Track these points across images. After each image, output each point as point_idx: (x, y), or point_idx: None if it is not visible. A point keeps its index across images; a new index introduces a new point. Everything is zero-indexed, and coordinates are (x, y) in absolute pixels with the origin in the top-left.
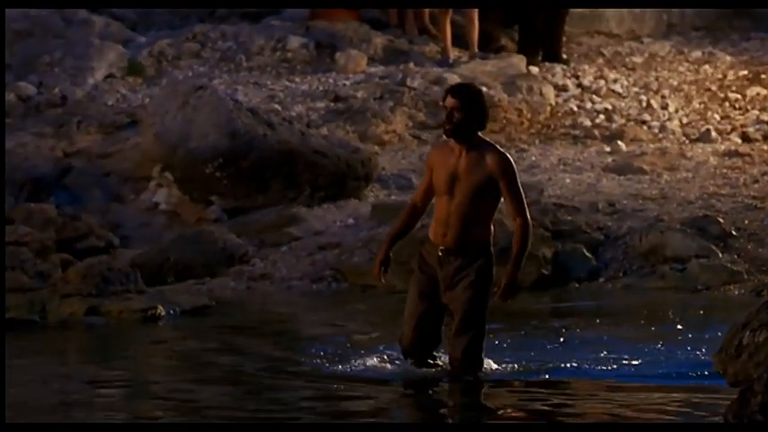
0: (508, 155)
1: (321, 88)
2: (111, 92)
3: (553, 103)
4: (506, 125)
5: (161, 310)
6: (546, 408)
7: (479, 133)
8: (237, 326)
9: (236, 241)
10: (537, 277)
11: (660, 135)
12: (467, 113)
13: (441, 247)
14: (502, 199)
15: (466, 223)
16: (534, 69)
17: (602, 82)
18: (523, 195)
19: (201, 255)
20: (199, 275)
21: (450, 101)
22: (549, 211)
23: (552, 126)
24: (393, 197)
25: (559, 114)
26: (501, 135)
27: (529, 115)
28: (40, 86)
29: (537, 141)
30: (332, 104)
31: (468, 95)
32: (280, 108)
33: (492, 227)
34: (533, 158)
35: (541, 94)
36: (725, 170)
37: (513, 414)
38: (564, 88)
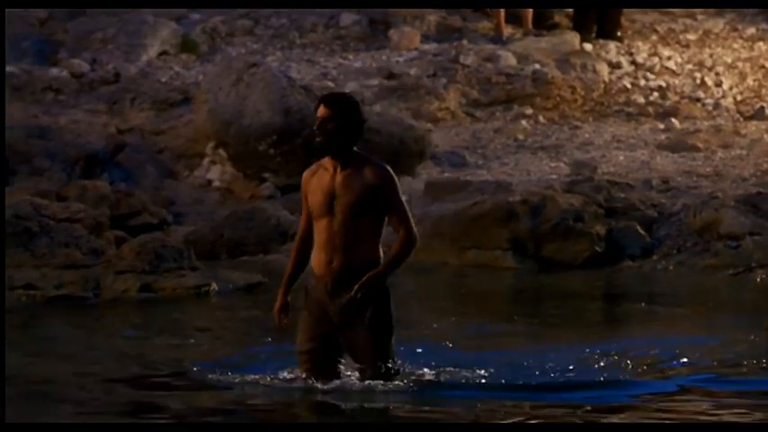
0: (387, 167)
1: (374, 65)
2: (164, 69)
3: (607, 81)
4: (560, 102)
5: (214, 287)
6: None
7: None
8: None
9: (290, 218)
10: (590, 255)
11: (714, 112)
12: (340, 125)
13: (327, 279)
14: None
15: (352, 244)
16: (588, 46)
17: (655, 59)
18: (407, 208)
19: (255, 231)
20: (252, 252)
21: (321, 111)
22: (602, 189)
23: (606, 103)
24: (446, 174)
25: (613, 92)
26: (554, 112)
27: (582, 92)
28: (93, 63)
29: (590, 119)
30: (385, 81)
31: (341, 106)
32: (333, 85)
33: (380, 246)
34: (587, 136)
35: (595, 71)
36: None
37: None
38: (618, 65)
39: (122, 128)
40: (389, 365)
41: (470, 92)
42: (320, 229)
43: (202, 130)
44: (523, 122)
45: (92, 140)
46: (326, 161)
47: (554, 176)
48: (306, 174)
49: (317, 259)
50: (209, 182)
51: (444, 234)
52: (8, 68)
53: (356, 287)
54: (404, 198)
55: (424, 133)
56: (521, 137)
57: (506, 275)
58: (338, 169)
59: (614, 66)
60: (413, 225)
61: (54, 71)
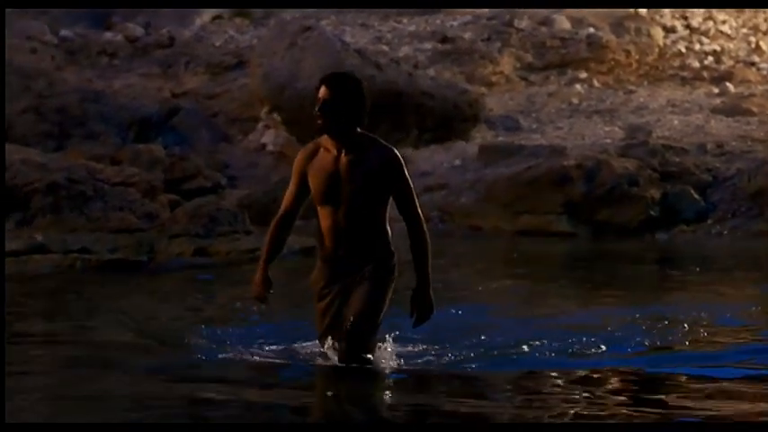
0: (394, 149)
1: (428, 29)
2: (218, 33)
3: (661, 45)
4: (614, 66)
5: None
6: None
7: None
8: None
9: None
10: (645, 219)
11: None
12: (343, 107)
13: (333, 264)
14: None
15: (359, 233)
16: (642, 10)
17: (710, 23)
18: (414, 192)
19: None
20: (305, 216)
21: (323, 92)
22: (657, 153)
23: (660, 67)
24: (500, 138)
25: (668, 56)
26: (609, 76)
27: (637, 56)
28: (147, 27)
29: (645, 83)
30: (439, 46)
31: (344, 86)
32: (387, 49)
33: (389, 228)
34: (641, 100)
35: (649, 35)
36: None
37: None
38: (672, 29)
39: (176, 92)
40: (373, 323)
41: (524, 56)
42: (324, 216)
43: (256, 94)
44: (578, 86)
45: (146, 104)
46: (326, 141)
47: (608, 141)
48: (302, 153)
49: (324, 245)
50: (263, 146)
51: (498, 198)
52: (63, 32)
53: (415, 316)
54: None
55: (477, 97)
56: (575, 101)
57: (560, 240)
58: (342, 152)
59: (669, 30)
60: (420, 211)
61: (108, 35)
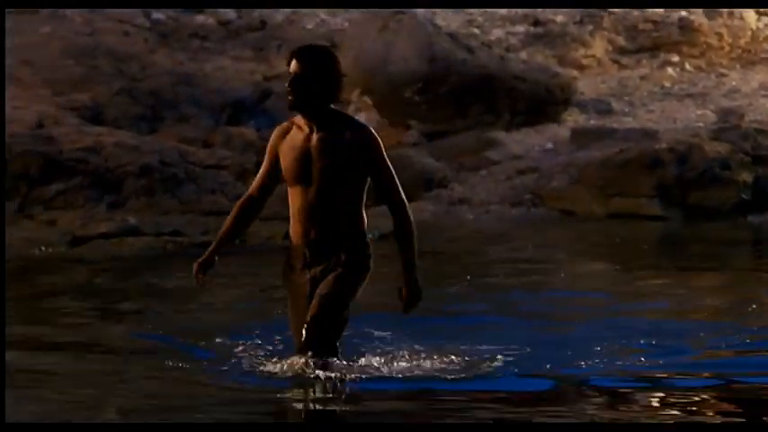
0: (370, 128)
1: (520, 12)
2: (310, 16)
3: (754, 28)
4: (706, 50)
5: None
6: None
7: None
8: (435, 250)
9: (435, 165)
10: (736, 202)
11: None
12: (314, 81)
13: (304, 250)
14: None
15: (331, 214)
16: None
17: None
18: (394, 173)
19: (400, 178)
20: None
21: (293, 66)
22: (749, 137)
23: (753, 51)
24: (592, 122)
25: (760, 39)
26: (701, 60)
27: (729, 40)
28: (239, 10)
29: (737, 66)
30: (531, 29)
31: (316, 60)
32: (479, 32)
33: (364, 213)
34: (733, 83)
35: (742, 18)
36: None
37: None
38: (765, 12)
39: (268, 75)
40: (337, 312)
41: (617, 39)
42: (294, 197)
43: (348, 77)
44: (670, 70)
45: (238, 87)
46: (299, 120)
47: (700, 124)
48: (276, 131)
49: (293, 229)
50: None
51: (590, 181)
52: (155, 15)
53: (403, 304)
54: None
55: (569, 80)
56: (667, 84)
57: (651, 223)
58: (314, 130)
59: (762, 13)
60: (403, 196)
61: (200, 18)
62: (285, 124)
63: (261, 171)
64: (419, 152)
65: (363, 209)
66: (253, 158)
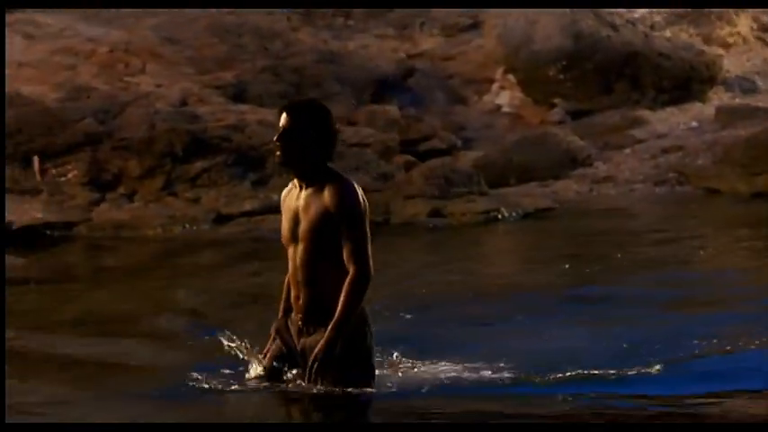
0: (352, 186)
1: None
2: None
3: None
4: None
5: (503, 212)
6: None
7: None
8: (579, 230)
9: (579, 143)
10: None
11: None
12: (302, 138)
13: (299, 316)
14: None
15: (317, 278)
16: None
17: None
18: (367, 239)
19: (544, 157)
20: (542, 177)
21: (283, 120)
22: None
23: None
24: (737, 100)
25: None
26: None
27: None
28: None
29: None
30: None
31: (306, 116)
32: (624, 11)
33: None
34: None
35: None
36: None
37: None
38: None
39: (412, 53)
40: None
41: (762, 17)
42: (289, 259)
43: (492, 56)
44: None
45: (381, 65)
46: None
47: None
48: (282, 194)
49: (290, 292)
50: (499, 107)
51: (734, 160)
52: None
53: (311, 364)
54: (366, 224)
55: (714, 59)
56: None
57: None
58: (303, 188)
59: None
60: (368, 259)
61: None
62: (290, 185)
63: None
64: (564, 130)
65: None
66: (396, 137)
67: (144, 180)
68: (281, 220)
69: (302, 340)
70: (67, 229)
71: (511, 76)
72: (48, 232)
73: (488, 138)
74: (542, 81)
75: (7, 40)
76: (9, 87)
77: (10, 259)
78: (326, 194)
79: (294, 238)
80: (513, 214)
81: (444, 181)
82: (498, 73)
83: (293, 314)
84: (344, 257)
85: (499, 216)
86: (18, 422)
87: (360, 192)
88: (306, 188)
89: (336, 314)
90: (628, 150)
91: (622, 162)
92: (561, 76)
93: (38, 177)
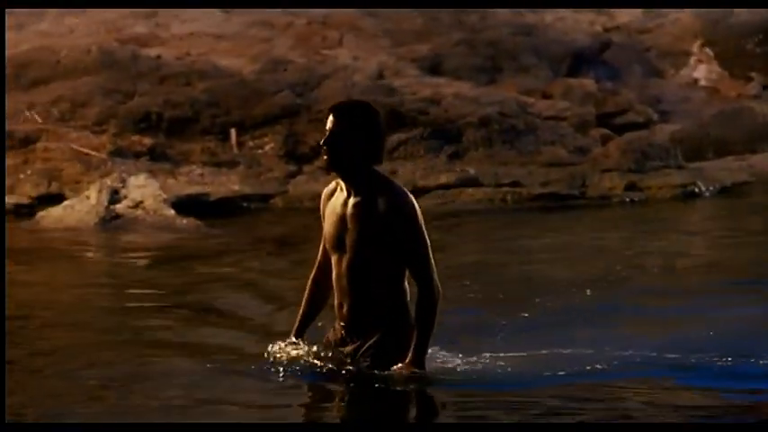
0: (407, 195)
1: None
2: None
3: None
4: None
5: (700, 186)
6: None
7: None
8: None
9: None
10: None
11: None
12: (352, 140)
13: (341, 323)
14: None
15: (363, 287)
16: None
17: None
18: (429, 251)
19: (741, 131)
20: (739, 152)
21: (330, 122)
22: None
23: None
24: None
25: None
26: None
27: None
28: None
29: None
30: None
31: (354, 117)
32: None
33: (406, 286)
34: None
35: None
36: None
37: None
38: None
39: (608, 26)
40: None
41: None
42: (333, 265)
43: (690, 29)
44: None
45: (578, 38)
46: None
47: None
48: (324, 192)
49: (334, 298)
50: (696, 80)
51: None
52: None
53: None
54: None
55: None
56: None
57: None
58: (351, 194)
59: None
60: (433, 274)
61: None
62: (332, 185)
63: (321, 240)
64: (760, 104)
65: (405, 282)
66: (592, 111)
67: None
68: (322, 222)
69: (345, 348)
70: (264, 201)
71: (708, 50)
72: (244, 204)
73: (685, 111)
74: (740, 55)
75: (205, 14)
76: (206, 60)
77: (207, 230)
78: (381, 205)
79: (340, 245)
80: (711, 188)
81: (641, 154)
82: (696, 46)
83: (336, 323)
84: (411, 270)
85: (696, 190)
86: (17, 422)
87: (413, 199)
88: (354, 195)
89: (419, 336)
90: None
91: None
92: (758, 50)
93: (235, 150)
